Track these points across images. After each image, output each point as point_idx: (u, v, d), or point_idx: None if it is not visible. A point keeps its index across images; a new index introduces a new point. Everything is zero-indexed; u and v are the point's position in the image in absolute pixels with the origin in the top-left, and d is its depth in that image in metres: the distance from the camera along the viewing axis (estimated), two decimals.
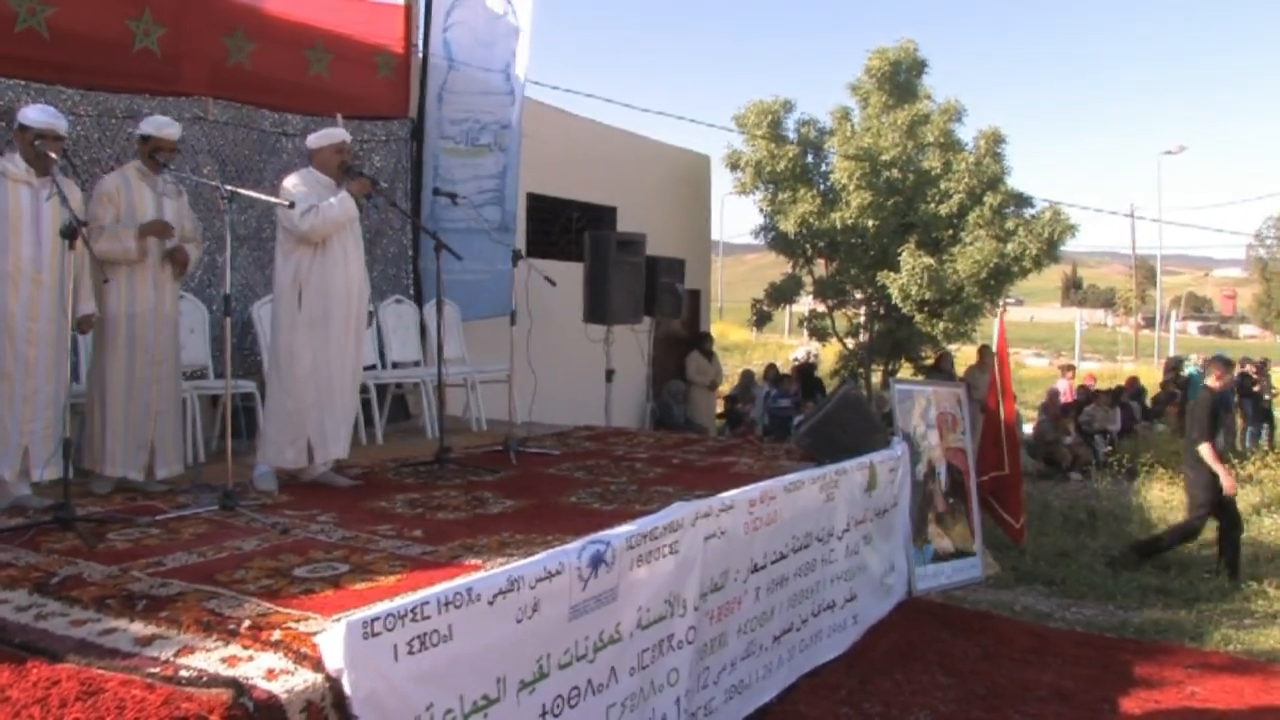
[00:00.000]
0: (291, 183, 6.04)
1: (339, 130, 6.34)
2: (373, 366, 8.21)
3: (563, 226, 13.26)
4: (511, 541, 4.74)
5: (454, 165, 9.84)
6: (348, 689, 2.88)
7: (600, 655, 3.94)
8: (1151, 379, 20.78)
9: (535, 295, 8.20)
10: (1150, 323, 54.29)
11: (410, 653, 3.03)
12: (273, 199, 5.90)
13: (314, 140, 6.24)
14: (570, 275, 10.25)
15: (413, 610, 3.04)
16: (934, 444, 8.02)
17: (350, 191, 6.04)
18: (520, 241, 11.16)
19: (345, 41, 8.97)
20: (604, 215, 13.68)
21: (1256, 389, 19.07)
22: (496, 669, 3.41)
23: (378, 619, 2.94)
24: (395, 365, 8.72)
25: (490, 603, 3.34)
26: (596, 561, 3.87)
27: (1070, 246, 16.78)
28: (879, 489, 6.86)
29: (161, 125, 5.87)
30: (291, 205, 5.76)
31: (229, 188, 5.61)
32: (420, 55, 9.76)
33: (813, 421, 7.23)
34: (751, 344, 37.59)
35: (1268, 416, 19.24)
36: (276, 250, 6.13)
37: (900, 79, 16.63)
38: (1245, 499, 12.50)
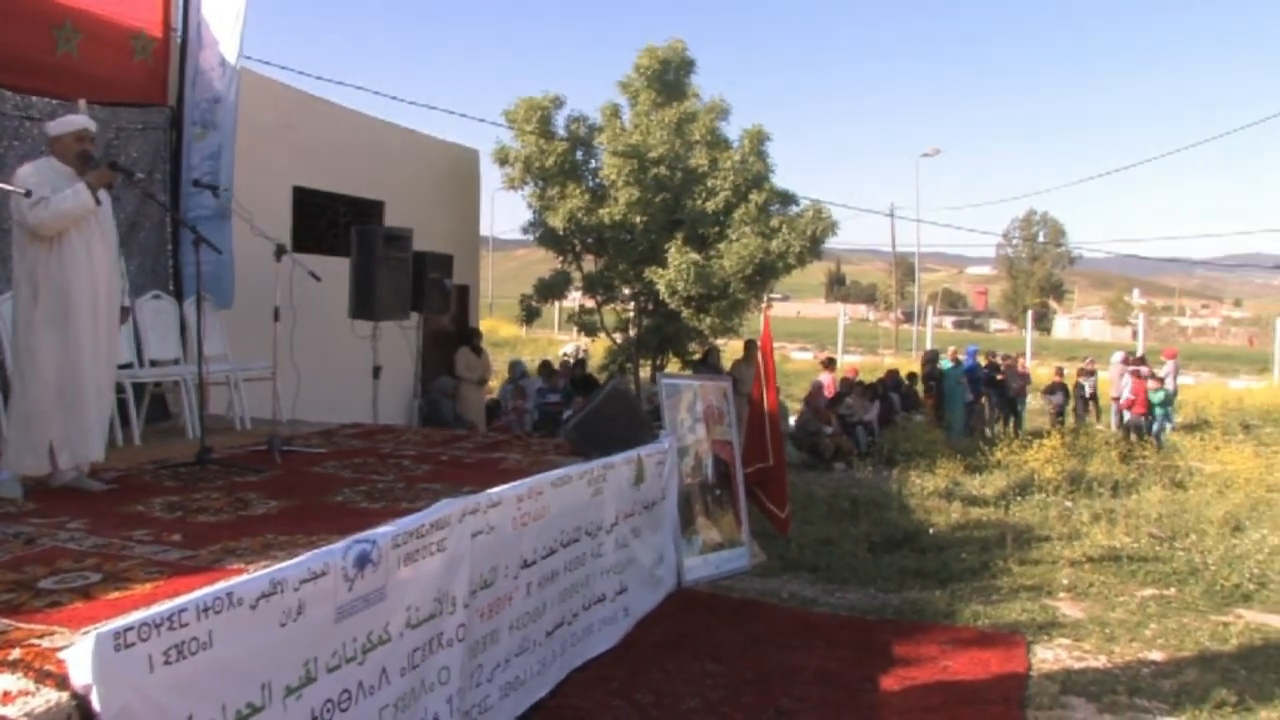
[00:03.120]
0: (25, 172, 5.65)
1: (80, 117, 5.99)
2: (129, 365, 7.87)
3: (329, 221, 12.98)
4: (276, 543, 4.61)
5: (193, 150, 9.44)
6: (97, 705, 2.74)
7: (370, 656, 3.88)
8: (910, 371, 21.64)
9: (300, 291, 8.00)
10: (909, 317, 56.82)
11: (167, 663, 2.91)
12: (5, 185, 5.57)
13: (53, 128, 5.89)
14: (336, 270, 10.02)
15: (169, 618, 2.93)
16: (701, 437, 8.19)
17: (89, 183, 5.71)
18: (285, 235, 10.88)
19: (96, 21, 8.50)
20: (371, 210, 13.43)
21: (1001, 379, 20.16)
22: (261, 675, 3.32)
23: (130, 629, 2.81)
24: (154, 363, 8.35)
25: (253, 607, 3.25)
26: (362, 561, 3.81)
27: (833, 244, 17.39)
28: (646, 482, 6.96)
29: None
30: (28, 194, 5.44)
31: None
32: (179, 40, 9.38)
33: (580, 416, 7.28)
34: (522, 340, 37.63)
35: (1012, 406, 20.35)
36: (13, 244, 5.78)
37: (669, 77, 16.88)
38: (993, 484, 13.22)
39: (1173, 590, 8.66)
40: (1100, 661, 6.79)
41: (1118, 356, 21.30)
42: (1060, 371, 22.05)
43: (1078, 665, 6.70)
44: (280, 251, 7.49)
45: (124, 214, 8.54)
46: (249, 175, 9.89)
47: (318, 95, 12.90)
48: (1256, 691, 6.16)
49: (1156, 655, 6.95)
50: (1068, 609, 8.06)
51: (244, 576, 3.43)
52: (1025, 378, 20.81)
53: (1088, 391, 21.33)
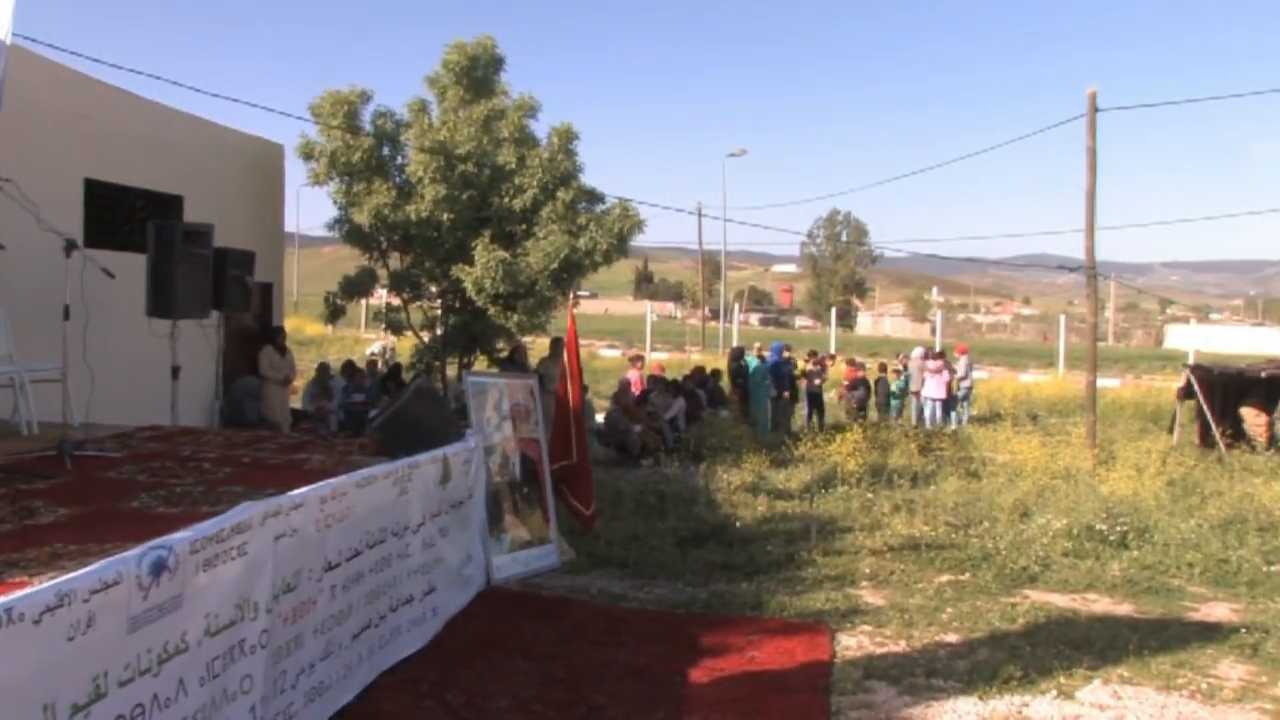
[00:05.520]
0: None
1: None
2: None
3: (125, 215, 12.50)
4: (65, 553, 4.42)
5: None
6: None
7: (165, 667, 3.77)
8: (716, 368, 22.00)
9: (92, 288, 7.71)
10: (716, 315, 57.70)
11: None
12: None
13: None
14: (132, 267, 9.68)
15: None
16: (508, 435, 8.20)
17: None
18: (76, 230, 10.45)
19: None
20: (169, 204, 12.98)
21: (805, 375, 20.69)
22: (44, 695, 3.19)
23: None
24: None
25: (36, 621, 3.12)
26: (158, 568, 3.70)
27: (641, 242, 17.56)
28: (453, 481, 6.93)
29: None
30: None
31: None
32: None
33: (385, 415, 7.19)
34: (328, 338, 36.99)
35: (817, 401, 20.88)
36: None
37: (478, 74, 16.78)
38: (798, 478, 13.55)
39: (967, 575, 9.07)
40: (900, 646, 7.09)
41: (917, 352, 22.14)
42: (861, 367, 22.72)
43: (879, 651, 6.98)
44: (70, 247, 7.22)
45: None
46: (36, 166, 9.45)
47: (114, 84, 12.43)
48: (1040, 666, 6.62)
49: (952, 637, 7.29)
50: (870, 597, 8.36)
51: (27, 589, 3.29)
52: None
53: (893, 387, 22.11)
